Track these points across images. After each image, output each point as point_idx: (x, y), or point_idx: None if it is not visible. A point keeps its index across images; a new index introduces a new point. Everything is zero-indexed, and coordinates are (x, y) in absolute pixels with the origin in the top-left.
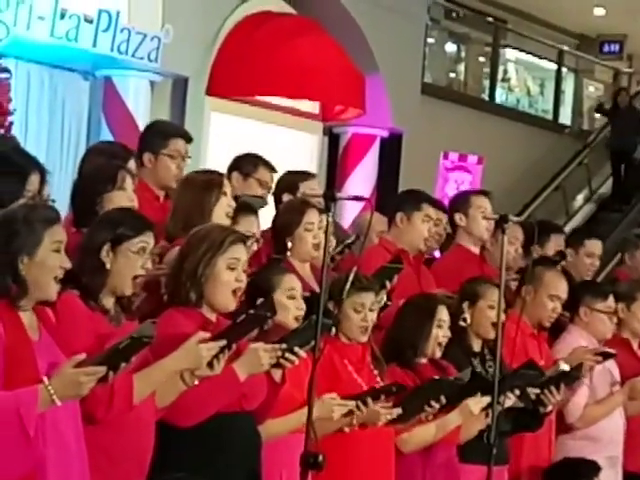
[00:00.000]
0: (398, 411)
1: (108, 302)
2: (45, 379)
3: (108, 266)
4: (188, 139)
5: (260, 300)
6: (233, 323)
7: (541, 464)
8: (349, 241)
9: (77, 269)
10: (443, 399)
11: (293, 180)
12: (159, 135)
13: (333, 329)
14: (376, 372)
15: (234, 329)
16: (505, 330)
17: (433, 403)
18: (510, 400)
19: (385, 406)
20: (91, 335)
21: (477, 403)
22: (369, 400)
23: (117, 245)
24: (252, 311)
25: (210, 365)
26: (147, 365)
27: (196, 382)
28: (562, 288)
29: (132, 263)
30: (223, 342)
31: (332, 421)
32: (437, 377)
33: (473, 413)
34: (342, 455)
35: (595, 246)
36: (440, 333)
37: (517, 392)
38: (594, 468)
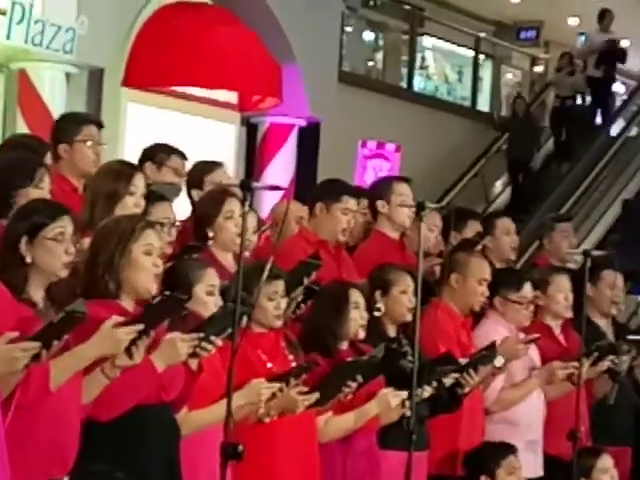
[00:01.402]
0: (316, 396)
1: (36, 295)
2: None
3: (29, 259)
4: (99, 125)
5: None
6: (148, 306)
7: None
8: (264, 228)
9: (1, 267)
10: (360, 378)
11: (199, 174)
12: (71, 124)
13: (245, 318)
14: (291, 357)
15: (150, 312)
16: (440, 321)
17: (350, 383)
18: (427, 392)
19: (302, 392)
20: (13, 319)
21: (395, 396)
22: (292, 380)
23: (34, 236)
24: (167, 293)
25: (129, 354)
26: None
27: (117, 373)
28: (488, 270)
29: (53, 251)
30: (140, 326)
31: (256, 407)
32: (350, 359)
33: (390, 405)
34: (263, 444)
35: (507, 223)
36: (358, 315)
37: (434, 384)
38: (510, 449)
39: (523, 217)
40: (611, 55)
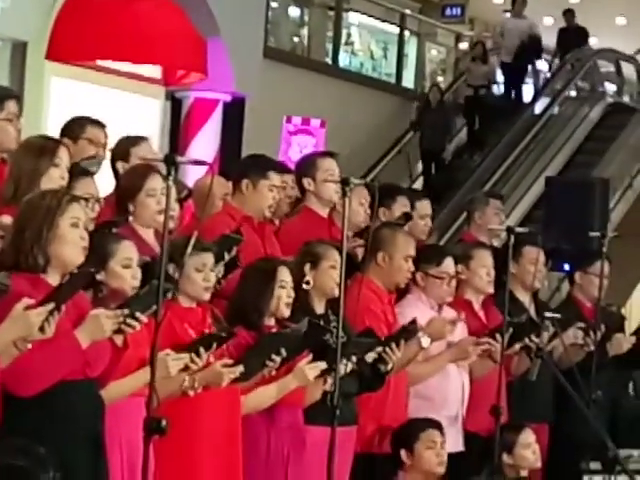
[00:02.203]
0: (240, 369)
1: None
2: None
3: None
4: (17, 98)
5: None
6: (59, 285)
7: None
8: (182, 196)
9: None
10: (284, 352)
11: (124, 146)
12: None
13: (169, 295)
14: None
15: (61, 290)
16: (364, 298)
17: (274, 357)
18: (348, 367)
19: (227, 364)
20: None
21: (312, 368)
22: (202, 350)
23: None
24: (76, 269)
25: (41, 329)
26: None
27: (29, 346)
28: (414, 247)
29: None
30: (51, 305)
31: (172, 380)
32: (274, 331)
33: (308, 377)
34: (186, 419)
35: (425, 206)
36: (284, 293)
37: (354, 359)
38: (430, 423)
39: (435, 207)
40: (531, 51)
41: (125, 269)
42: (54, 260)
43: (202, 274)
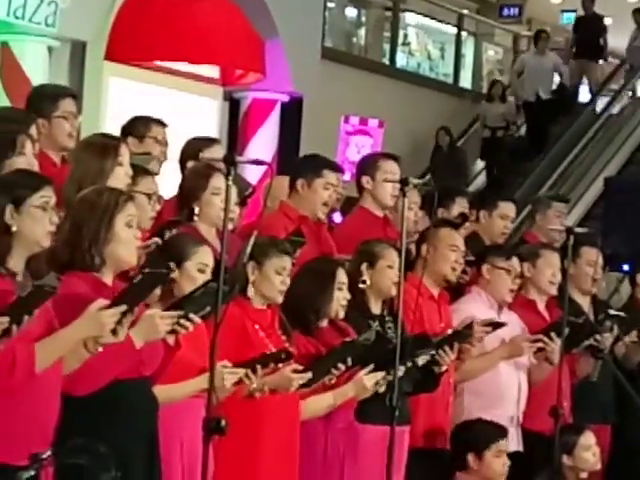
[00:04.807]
0: (309, 376)
1: (16, 266)
2: None
3: (14, 228)
4: (75, 96)
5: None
6: (131, 285)
7: (439, 425)
8: (248, 192)
9: None
10: (349, 361)
11: (197, 147)
12: (47, 99)
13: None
14: (284, 338)
15: (132, 291)
16: (405, 293)
17: (340, 365)
18: (400, 372)
19: (297, 370)
20: None
21: (371, 378)
22: (259, 367)
23: (19, 205)
24: (147, 270)
25: (114, 332)
26: (53, 332)
27: (100, 349)
28: (459, 239)
29: (39, 219)
30: (123, 307)
31: (226, 389)
32: (347, 339)
33: (366, 389)
34: (248, 420)
35: (509, 208)
36: (341, 295)
37: (409, 364)
38: (501, 433)
39: None
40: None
41: (199, 273)
42: (108, 259)
43: (281, 277)
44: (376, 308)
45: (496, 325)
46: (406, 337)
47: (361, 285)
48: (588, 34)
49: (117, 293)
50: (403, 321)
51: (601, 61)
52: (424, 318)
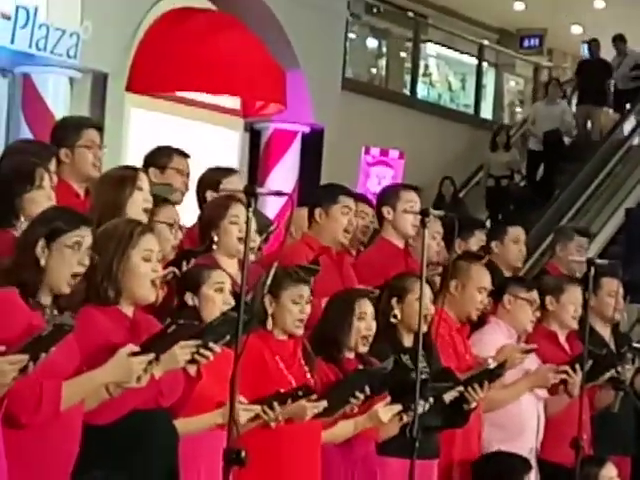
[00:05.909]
0: (324, 404)
1: (46, 300)
2: None
3: (43, 262)
4: (99, 128)
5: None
6: (163, 333)
7: (471, 458)
8: (271, 229)
9: (14, 266)
10: (367, 390)
11: (215, 177)
12: (71, 129)
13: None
14: (307, 368)
15: (163, 340)
16: (435, 326)
17: (358, 394)
18: (425, 407)
19: (311, 399)
20: (22, 327)
21: (387, 411)
22: (275, 404)
23: (52, 241)
24: (182, 321)
25: (137, 378)
26: (79, 372)
27: (119, 392)
28: (488, 280)
29: (67, 258)
30: (152, 356)
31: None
32: (360, 367)
33: (382, 420)
34: (268, 451)
35: (518, 232)
36: (362, 326)
37: (431, 400)
38: (527, 467)
39: None
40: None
41: (218, 293)
42: (124, 292)
43: (298, 306)
44: (408, 341)
45: (528, 351)
46: (436, 367)
47: (392, 320)
48: (592, 79)
49: (147, 338)
50: (437, 353)
51: (605, 107)
52: (457, 349)
